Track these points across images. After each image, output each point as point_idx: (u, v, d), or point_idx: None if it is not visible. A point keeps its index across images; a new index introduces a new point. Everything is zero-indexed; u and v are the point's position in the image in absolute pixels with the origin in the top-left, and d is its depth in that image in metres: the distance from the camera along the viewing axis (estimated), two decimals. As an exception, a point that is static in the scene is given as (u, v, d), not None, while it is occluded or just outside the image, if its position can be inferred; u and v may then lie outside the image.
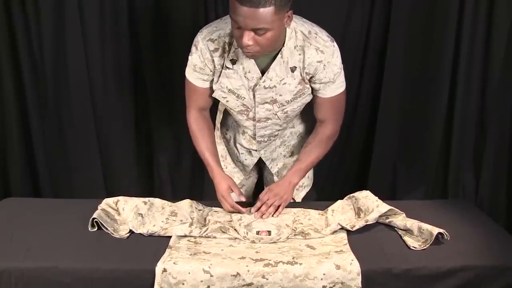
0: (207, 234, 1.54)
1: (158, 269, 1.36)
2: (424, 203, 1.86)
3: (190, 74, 1.70)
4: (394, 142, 2.45)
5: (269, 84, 1.63)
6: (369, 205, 1.64)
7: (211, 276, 1.36)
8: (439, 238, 1.50)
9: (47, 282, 1.37)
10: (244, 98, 1.68)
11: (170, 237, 1.53)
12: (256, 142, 1.85)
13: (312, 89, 1.69)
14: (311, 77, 1.65)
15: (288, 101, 1.68)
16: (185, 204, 1.70)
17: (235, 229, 1.56)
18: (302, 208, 1.75)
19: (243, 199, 1.77)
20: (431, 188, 2.47)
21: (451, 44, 2.26)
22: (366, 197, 1.68)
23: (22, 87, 2.35)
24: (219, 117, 1.97)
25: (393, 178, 2.51)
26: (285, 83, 1.64)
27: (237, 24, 1.45)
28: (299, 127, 1.91)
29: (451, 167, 2.42)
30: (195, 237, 1.54)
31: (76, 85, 2.35)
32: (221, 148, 1.96)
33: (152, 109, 2.46)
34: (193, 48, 1.66)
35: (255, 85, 1.64)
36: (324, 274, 1.37)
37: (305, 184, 1.98)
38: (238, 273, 1.36)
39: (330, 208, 1.71)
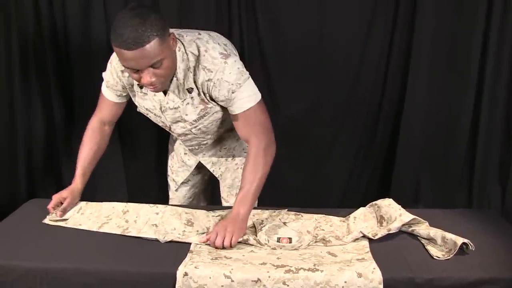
0: None
1: (180, 273, 1.37)
2: (448, 212, 1.82)
3: (104, 87, 1.79)
4: (417, 151, 2.42)
5: (173, 105, 1.67)
6: (392, 213, 1.62)
7: (232, 281, 1.36)
8: (463, 248, 1.47)
9: (71, 283, 1.39)
10: (160, 117, 1.73)
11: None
12: (191, 151, 1.92)
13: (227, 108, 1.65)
14: (210, 97, 1.64)
15: (195, 119, 1.70)
16: (201, 214, 1.70)
17: (255, 238, 1.56)
18: (324, 215, 1.74)
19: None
20: (455, 198, 2.43)
21: (477, 53, 2.23)
22: (389, 205, 1.67)
23: (48, 91, 2.41)
24: None
25: (416, 188, 2.48)
26: (187, 103, 1.66)
27: (132, 68, 1.47)
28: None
29: (476, 177, 2.38)
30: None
31: (99, 91, 2.38)
32: (171, 147, 2.06)
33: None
34: (108, 65, 1.73)
35: (162, 106, 1.69)
36: (345, 282, 1.36)
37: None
38: (259, 279, 1.36)
39: (352, 216, 1.70)
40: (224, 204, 2.02)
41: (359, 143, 2.49)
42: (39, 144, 2.47)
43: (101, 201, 1.78)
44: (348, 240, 1.56)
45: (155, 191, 2.56)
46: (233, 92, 1.59)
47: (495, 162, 2.37)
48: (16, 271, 1.39)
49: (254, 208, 1.81)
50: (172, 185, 2.09)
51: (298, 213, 1.75)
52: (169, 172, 2.10)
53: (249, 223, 1.65)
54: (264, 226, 1.60)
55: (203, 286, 1.36)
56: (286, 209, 1.75)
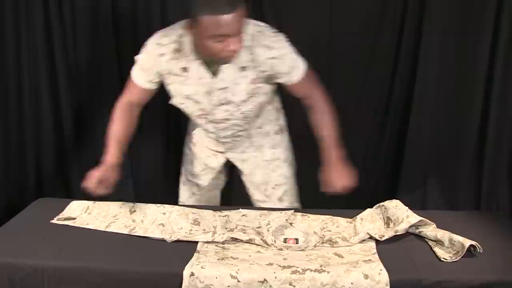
0: (229, 237, 1.55)
1: (186, 273, 1.37)
2: (456, 214, 1.82)
3: (136, 74, 1.76)
4: (425, 152, 2.41)
5: (223, 85, 1.68)
6: (399, 215, 1.61)
7: (238, 281, 1.36)
8: (471, 250, 1.46)
9: (78, 281, 1.40)
10: (201, 102, 1.72)
11: (197, 242, 1.54)
12: (221, 143, 1.89)
13: (281, 83, 1.74)
14: (270, 75, 1.69)
15: (243, 100, 1.72)
16: (208, 214, 1.71)
17: (261, 238, 1.56)
18: (331, 216, 1.73)
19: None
20: (463, 200, 2.41)
21: (486, 54, 2.22)
22: (396, 207, 1.66)
23: (58, 92, 2.42)
24: (189, 123, 2.02)
25: (423, 189, 2.46)
26: (236, 83, 1.68)
27: (223, 35, 1.50)
28: (266, 127, 1.93)
29: (484, 178, 2.36)
30: (222, 242, 1.54)
31: (108, 90, 2.40)
32: (189, 152, 2.01)
33: (181, 113, 2.48)
34: (142, 52, 1.72)
35: (210, 88, 1.68)
36: (352, 283, 1.35)
37: (281, 183, 1.97)
38: (265, 280, 1.36)
39: (359, 217, 1.69)
40: (254, 199, 2.01)
41: (367, 144, 2.48)
42: (48, 144, 2.49)
43: (108, 201, 1.79)
44: (355, 241, 1.55)
45: (162, 191, 2.57)
46: (295, 61, 1.70)
47: (504, 164, 2.35)
48: (24, 269, 1.40)
49: (261, 209, 1.81)
50: (195, 190, 2.06)
51: (304, 214, 1.75)
52: (187, 177, 2.06)
53: (255, 223, 1.65)
54: (270, 227, 1.60)
55: (210, 286, 1.36)
56: (293, 210, 1.75)
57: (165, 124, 2.51)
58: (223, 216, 1.71)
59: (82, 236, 1.58)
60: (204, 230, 1.60)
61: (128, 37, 2.36)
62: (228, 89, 1.69)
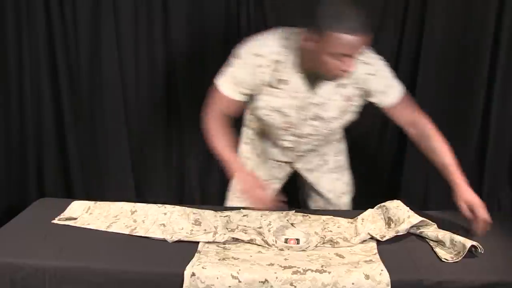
0: (230, 237, 1.55)
1: (187, 273, 1.37)
2: (458, 214, 1.81)
3: (225, 85, 1.67)
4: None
5: (318, 101, 1.65)
6: (400, 215, 1.61)
7: (239, 281, 1.36)
8: (472, 251, 1.46)
9: (79, 281, 1.39)
10: (290, 116, 1.68)
11: (198, 242, 1.54)
12: (294, 155, 1.86)
13: (376, 103, 1.71)
14: (364, 93, 1.67)
15: (335, 117, 1.69)
16: (209, 214, 1.71)
17: (262, 238, 1.56)
18: (332, 216, 1.73)
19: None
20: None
21: (487, 54, 2.22)
22: (397, 207, 1.66)
23: (59, 93, 2.43)
24: (246, 132, 1.96)
25: (425, 189, 2.46)
26: (331, 99, 1.65)
27: (346, 54, 1.47)
28: (337, 145, 1.92)
29: (485, 179, 2.36)
30: (224, 242, 1.54)
31: (109, 90, 2.40)
32: (251, 162, 1.93)
33: (183, 114, 2.49)
34: (234, 60, 1.64)
35: (304, 103, 1.65)
36: (352, 284, 1.35)
37: (346, 190, 1.99)
38: (266, 280, 1.36)
39: (360, 217, 1.69)
40: (315, 205, 2.00)
41: (368, 145, 2.48)
42: (49, 144, 2.49)
43: (109, 200, 1.79)
44: (356, 241, 1.55)
45: (164, 191, 2.57)
46: (391, 81, 1.68)
47: (506, 165, 2.35)
48: (25, 269, 1.40)
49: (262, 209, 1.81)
50: None
51: (305, 214, 1.75)
52: None
53: (256, 223, 1.65)
54: (272, 227, 1.60)
55: (211, 287, 1.36)
56: (294, 210, 1.74)
57: (166, 123, 2.51)
58: (224, 217, 1.71)
59: (83, 236, 1.58)
60: (205, 230, 1.60)
61: (129, 37, 2.36)
62: (322, 105, 1.66)
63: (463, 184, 1.62)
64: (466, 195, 1.59)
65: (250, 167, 1.91)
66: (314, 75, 1.60)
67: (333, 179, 1.97)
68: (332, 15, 1.45)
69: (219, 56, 2.43)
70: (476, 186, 2.38)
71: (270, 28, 2.31)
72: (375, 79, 1.65)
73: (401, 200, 1.70)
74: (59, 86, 2.42)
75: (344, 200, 1.99)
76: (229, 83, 1.67)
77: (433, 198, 2.44)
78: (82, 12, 2.31)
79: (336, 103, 1.67)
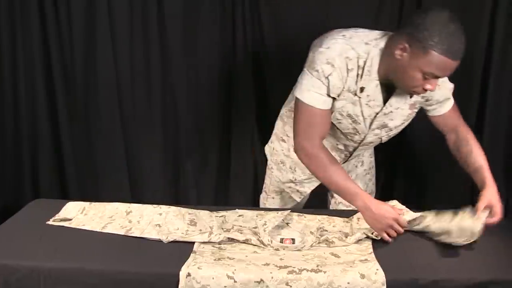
0: (226, 237, 1.55)
1: (183, 273, 1.37)
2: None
3: (319, 100, 1.56)
4: (421, 152, 2.42)
5: (389, 110, 1.64)
6: None
7: (235, 281, 1.36)
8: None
9: (74, 282, 1.39)
10: (359, 123, 1.66)
11: (194, 242, 1.54)
12: (342, 157, 1.84)
13: (428, 110, 1.72)
14: (426, 101, 1.67)
15: (397, 126, 1.69)
16: (205, 215, 1.71)
17: (258, 238, 1.56)
18: (327, 216, 1.73)
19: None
20: (459, 199, 2.41)
21: (481, 55, 2.22)
22: (393, 207, 1.66)
23: (53, 93, 2.42)
24: (283, 128, 1.91)
25: (420, 189, 2.46)
26: (398, 108, 1.64)
27: (434, 76, 1.45)
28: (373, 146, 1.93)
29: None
30: (219, 242, 1.54)
31: (104, 91, 2.39)
32: (289, 160, 1.89)
33: (179, 115, 2.49)
34: (326, 68, 1.52)
35: (376, 112, 1.63)
36: (348, 283, 1.35)
37: (374, 190, 2.02)
38: (261, 280, 1.36)
39: (355, 216, 1.69)
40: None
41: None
42: (44, 145, 2.48)
43: (105, 201, 1.79)
44: (351, 241, 1.55)
45: (159, 192, 2.57)
46: (449, 92, 1.68)
47: (500, 167, 2.35)
48: (20, 270, 1.40)
49: (258, 209, 1.81)
50: (295, 196, 1.95)
51: (301, 214, 1.75)
52: (289, 185, 1.94)
53: (252, 224, 1.65)
54: (267, 227, 1.60)
55: (206, 287, 1.36)
56: (289, 210, 1.75)
57: (161, 123, 2.51)
58: (219, 217, 1.71)
59: (78, 237, 1.58)
60: (200, 230, 1.60)
61: (124, 37, 2.35)
62: (390, 114, 1.65)
63: (494, 188, 1.62)
64: (492, 198, 1.59)
65: (288, 165, 1.89)
66: (390, 83, 1.57)
67: (366, 181, 1.99)
68: (440, 34, 1.39)
69: (214, 54, 2.44)
70: (471, 184, 2.39)
71: (265, 29, 2.35)
72: (439, 90, 1.62)
73: (397, 200, 1.71)
74: (53, 86, 2.40)
75: None
76: (321, 95, 1.56)
77: (428, 200, 2.43)
78: (77, 11, 2.30)
79: (402, 112, 1.66)
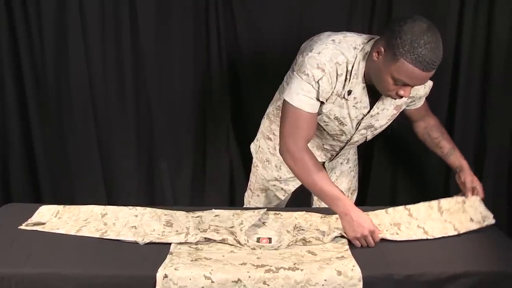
0: (202, 237, 1.54)
1: (159, 275, 1.36)
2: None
3: (307, 103, 1.57)
4: (393, 150, 2.45)
5: (375, 112, 1.67)
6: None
7: (212, 282, 1.36)
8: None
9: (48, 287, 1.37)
10: (346, 125, 1.69)
11: (170, 243, 1.53)
12: (328, 156, 1.89)
13: (407, 105, 1.78)
14: (412, 101, 1.77)
15: (382, 125, 1.73)
16: (181, 215, 1.71)
17: (235, 238, 1.56)
18: (304, 212, 1.75)
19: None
20: (432, 196, 2.45)
21: (451, 51, 2.26)
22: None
23: (24, 93, 2.36)
24: (270, 126, 1.93)
25: (393, 186, 2.50)
26: (384, 109, 1.68)
27: (404, 83, 1.48)
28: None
29: (452, 175, 2.41)
30: (196, 243, 1.54)
31: (77, 91, 2.35)
32: (274, 158, 1.91)
33: (153, 115, 2.46)
34: (316, 72, 1.53)
35: (364, 114, 1.66)
36: (325, 280, 1.37)
37: (356, 188, 2.05)
38: (239, 279, 1.36)
39: (334, 216, 1.70)
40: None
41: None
42: (15, 148, 2.43)
43: (79, 204, 1.76)
44: (327, 240, 1.57)
45: (135, 192, 2.54)
46: (429, 88, 1.75)
47: (471, 161, 2.38)
48: (-9, 277, 1.37)
49: (234, 208, 1.81)
50: (279, 194, 1.97)
51: (277, 212, 1.76)
52: (266, 185, 1.97)
53: (228, 223, 1.65)
54: (243, 226, 1.60)
55: (183, 288, 1.36)
56: (265, 209, 1.75)
57: (136, 124, 2.48)
58: (195, 217, 1.71)
59: (52, 242, 1.55)
60: (177, 231, 1.59)
61: (96, 37, 2.32)
62: (376, 115, 1.69)
63: (469, 168, 1.74)
64: (472, 177, 1.71)
65: (274, 163, 1.91)
66: (374, 86, 1.59)
67: (351, 178, 2.02)
68: (412, 43, 1.40)
69: (188, 54, 2.42)
70: (443, 181, 2.44)
71: (237, 24, 2.34)
72: (422, 88, 1.71)
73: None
74: (23, 86, 2.35)
75: (354, 198, 2.04)
76: (310, 98, 1.57)
77: (401, 196, 2.47)
78: (47, 11, 2.25)
79: (387, 112, 1.70)
